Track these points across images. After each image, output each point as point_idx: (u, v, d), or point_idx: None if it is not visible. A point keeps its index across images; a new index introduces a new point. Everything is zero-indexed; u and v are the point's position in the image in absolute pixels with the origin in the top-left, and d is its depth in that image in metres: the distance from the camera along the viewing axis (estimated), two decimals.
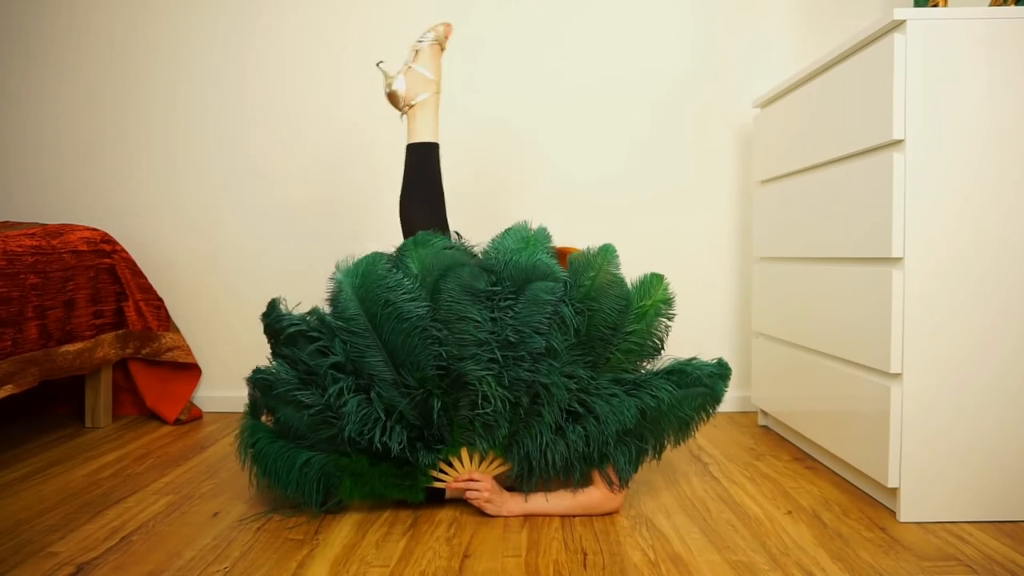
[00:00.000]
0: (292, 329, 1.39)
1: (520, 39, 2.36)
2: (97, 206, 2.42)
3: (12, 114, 2.43)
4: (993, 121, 1.34)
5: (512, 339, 1.34)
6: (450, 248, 1.43)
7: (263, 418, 1.47)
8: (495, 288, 1.36)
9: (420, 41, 1.69)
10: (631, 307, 1.40)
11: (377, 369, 1.36)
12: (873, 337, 1.43)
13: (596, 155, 2.37)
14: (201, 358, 2.42)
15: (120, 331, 2.17)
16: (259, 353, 2.40)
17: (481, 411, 1.35)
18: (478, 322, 1.33)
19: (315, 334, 1.39)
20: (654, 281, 1.43)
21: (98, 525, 1.39)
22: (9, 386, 1.73)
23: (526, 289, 1.36)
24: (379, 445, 1.35)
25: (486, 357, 1.33)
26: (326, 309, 1.42)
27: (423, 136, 1.67)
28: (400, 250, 1.43)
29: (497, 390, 1.34)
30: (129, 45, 2.41)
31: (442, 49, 1.72)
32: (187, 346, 2.32)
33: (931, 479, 1.37)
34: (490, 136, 2.36)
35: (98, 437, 2.06)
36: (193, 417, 2.28)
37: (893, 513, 1.43)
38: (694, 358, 1.45)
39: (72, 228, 2.10)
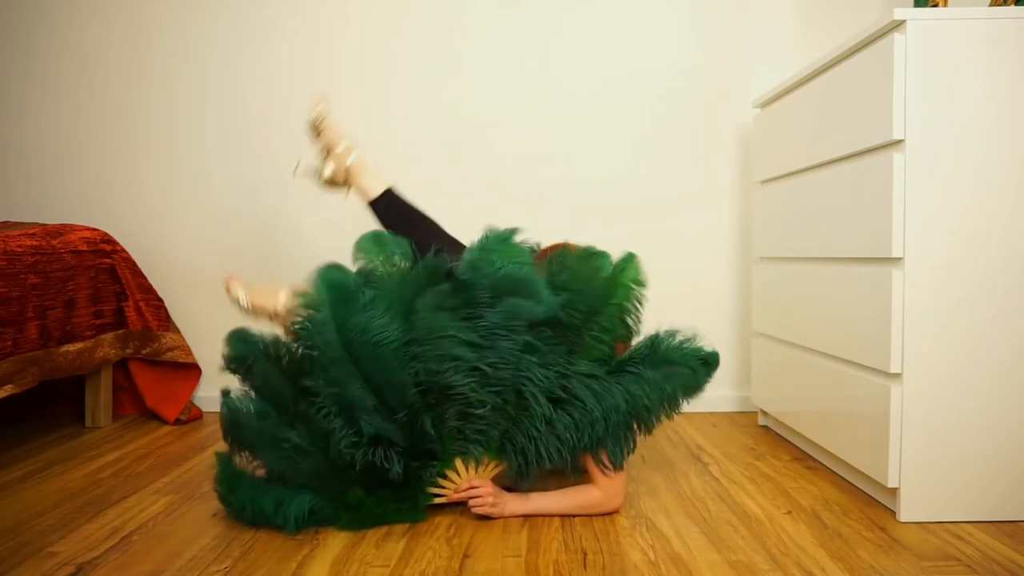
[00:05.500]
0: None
1: (519, 39, 2.36)
2: (97, 206, 2.42)
3: (12, 114, 2.43)
4: (993, 121, 1.34)
5: (490, 347, 1.31)
6: (408, 260, 1.39)
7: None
8: (470, 309, 1.34)
9: (315, 125, 1.78)
10: (604, 294, 1.38)
11: (358, 397, 1.32)
12: (873, 337, 1.43)
13: (596, 155, 2.37)
14: (201, 358, 2.41)
15: (120, 331, 2.17)
16: None
17: (470, 420, 1.33)
18: (460, 338, 1.30)
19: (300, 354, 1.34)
20: (622, 263, 1.41)
21: (98, 525, 1.39)
22: (9, 386, 1.73)
23: (505, 299, 1.33)
24: (380, 463, 1.32)
25: (467, 366, 1.30)
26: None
27: (376, 190, 1.71)
28: (362, 258, 1.39)
29: (484, 395, 1.31)
30: (129, 45, 2.41)
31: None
32: (187, 346, 2.32)
33: (931, 479, 1.37)
34: (488, 137, 2.36)
35: (98, 437, 2.06)
36: (193, 417, 2.28)
37: (893, 513, 1.43)
38: (685, 341, 1.44)
39: (72, 228, 2.10)
